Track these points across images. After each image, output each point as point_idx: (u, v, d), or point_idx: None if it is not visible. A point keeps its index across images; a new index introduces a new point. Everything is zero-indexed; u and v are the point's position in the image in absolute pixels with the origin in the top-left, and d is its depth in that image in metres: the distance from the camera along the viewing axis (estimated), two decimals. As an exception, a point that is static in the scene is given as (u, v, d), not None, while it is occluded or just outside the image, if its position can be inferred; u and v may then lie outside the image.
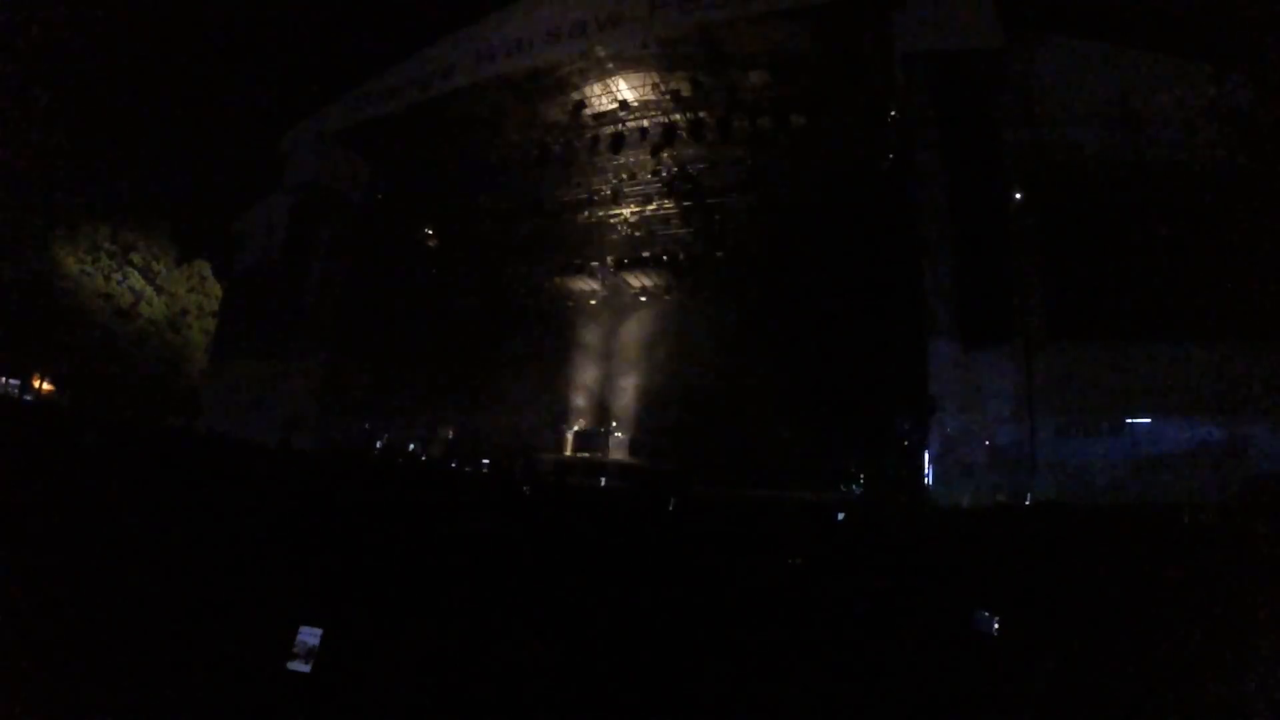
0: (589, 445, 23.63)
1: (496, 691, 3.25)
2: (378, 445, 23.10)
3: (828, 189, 20.56)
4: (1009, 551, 6.68)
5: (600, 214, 24.66)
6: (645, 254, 25.32)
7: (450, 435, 25.39)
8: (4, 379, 27.57)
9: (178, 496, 6.42)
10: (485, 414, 25.53)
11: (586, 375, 26.31)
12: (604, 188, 23.56)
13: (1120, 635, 4.07)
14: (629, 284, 27.29)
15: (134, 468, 7.98)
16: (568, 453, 23.87)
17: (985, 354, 14.56)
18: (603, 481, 18.26)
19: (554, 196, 24.60)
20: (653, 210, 24.33)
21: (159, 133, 34.52)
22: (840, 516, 9.64)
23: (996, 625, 4.02)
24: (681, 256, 24.79)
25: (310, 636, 3.05)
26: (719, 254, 24.07)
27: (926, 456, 15.12)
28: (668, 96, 20.50)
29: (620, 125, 21.30)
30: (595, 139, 21.72)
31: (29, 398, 27.32)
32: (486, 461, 20.21)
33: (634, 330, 26.25)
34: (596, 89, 21.49)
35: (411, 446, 23.64)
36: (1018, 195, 15.03)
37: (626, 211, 24.48)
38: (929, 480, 14.80)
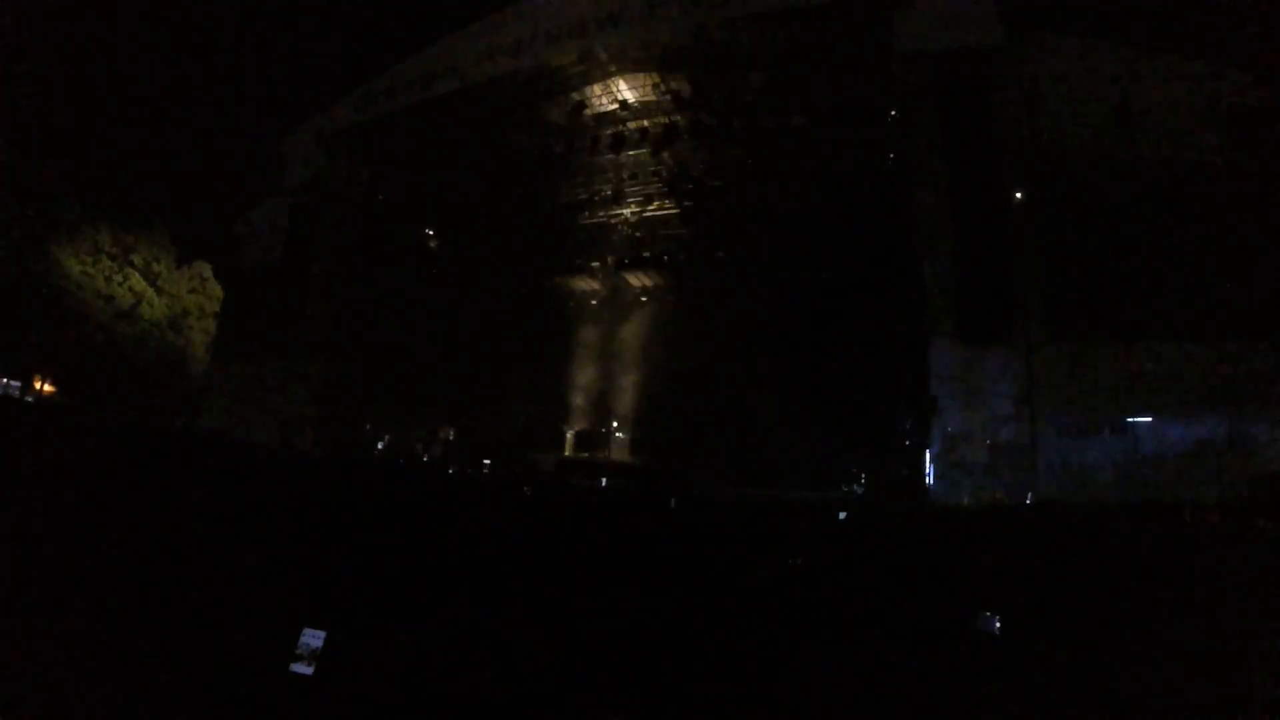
0: (589, 445, 23.63)
1: (498, 692, 3.25)
2: (379, 446, 23.11)
3: (828, 188, 20.54)
4: (1009, 551, 6.68)
5: (601, 214, 24.68)
6: (646, 254, 25.33)
7: (451, 436, 25.39)
8: (5, 380, 27.56)
9: (179, 498, 6.42)
10: (486, 415, 25.53)
11: (587, 375, 26.30)
12: (605, 188, 23.56)
13: (1121, 634, 4.07)
14: (630, 284, 27.30)
15: (135, 469, 7.97)
16: (568, 453, 23.87)
17: (986, 353, 14.57)
18: (603, 481, 18.24)
19: (554, 197, 24.61)
20: (653, 210, 24.34)
21: (160, 134, 34.52)
22: (842, 516, 9.64)
23: (998, 625, 4.03)
24: (682, 256, 24.80)
25: (313, 639, 3.05)
26: (719, 254, 24.06)
27: (927, 455, 15.12)
28: (668, 97, 20.51)
29: (621, 126, 21.30)
30: (596, 139, 21.72)
31: (30, 399, 27.31)
32: (487, 462, 20.21)
33: (634, 330, 26.25)
34: (597, 89, 21.51)
35: (415, 447, 23.64)
36: (1018, 194, 15.02)
37: (627, 212, 24.50)
38: (930, 479, 14.81)
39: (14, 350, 27.49)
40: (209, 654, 3.29)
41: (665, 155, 21.67)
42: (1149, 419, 13.70)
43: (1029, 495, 13.46)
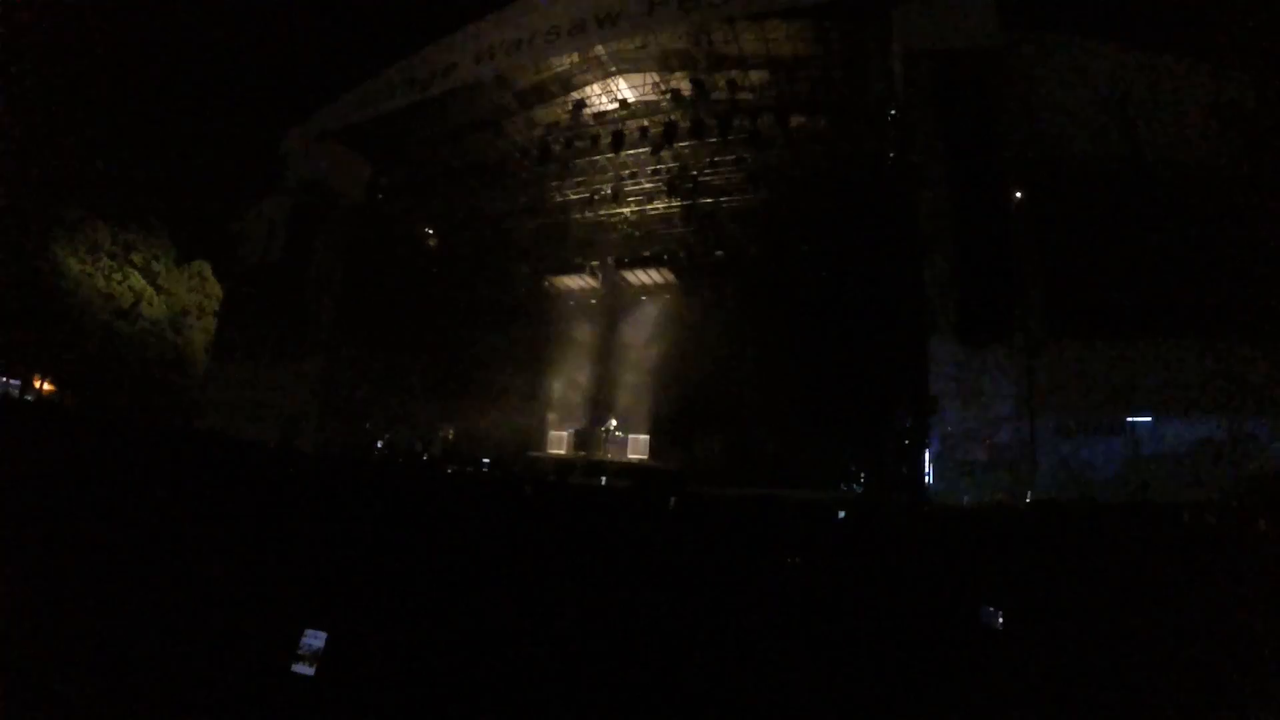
0: (589, 444, 23.64)
1: (499, 691, 3.25)
2: (379, 445, 23.11)
3: (828, 188, 20.57)
4: (1009, 550, 6.69)
5: (601, 213, 24.68)
6: (646, 253, 25.35)
7: (450, 435, 25.40)
8: (4, 379, 27.57)
9: (179, 496, 6.42)
10: (486, 413, 25.54)
11: (587, 374, 26.32)
12: (604, 187, 23.57)
13: (1121, 634, 4.07)
14: (629, 283, 27.31)
15: (135, 467, 7.98)
16: (568, 452, 23.88)
17: (986, 352, 14.57)
18: (603, 480, 18.25)
19: (554, 195, 24.62)
20: (653, 209, 24.35)
21: (159, 132, 34.51)
22: (841, 515, 9.65)
23: (1001, 620, 4.04)
24: (682, 255, 24.82)
25: (315, 639, 3.06)
26: (719, 253, 24.09)
27: (927, 455, 15.13)
28: (668, 96, 20.51)
29: (620, 124, 21.29)
30: (595, 138, 21.72)
31: (29, 397, 27.32)
32: (487, 461, 20.23)
33: (634, 329, 26.27)
34: (596, 88, 21.51)
35: (415, 446, 23.64)
36: (1018, 194, 15.03)
37: (627, 210, 24.50)
38: (929, 479, 14.81)
39: (13, 349, 27.48)
40: (209, 654, 3.29)
41: (665, 154, 21.67)
42: (1149, 419, 13.71)
43: (1028, 494, 13.47)
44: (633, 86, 21.21)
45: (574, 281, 28.03)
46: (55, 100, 29.48)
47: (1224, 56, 14.75)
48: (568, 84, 21.55)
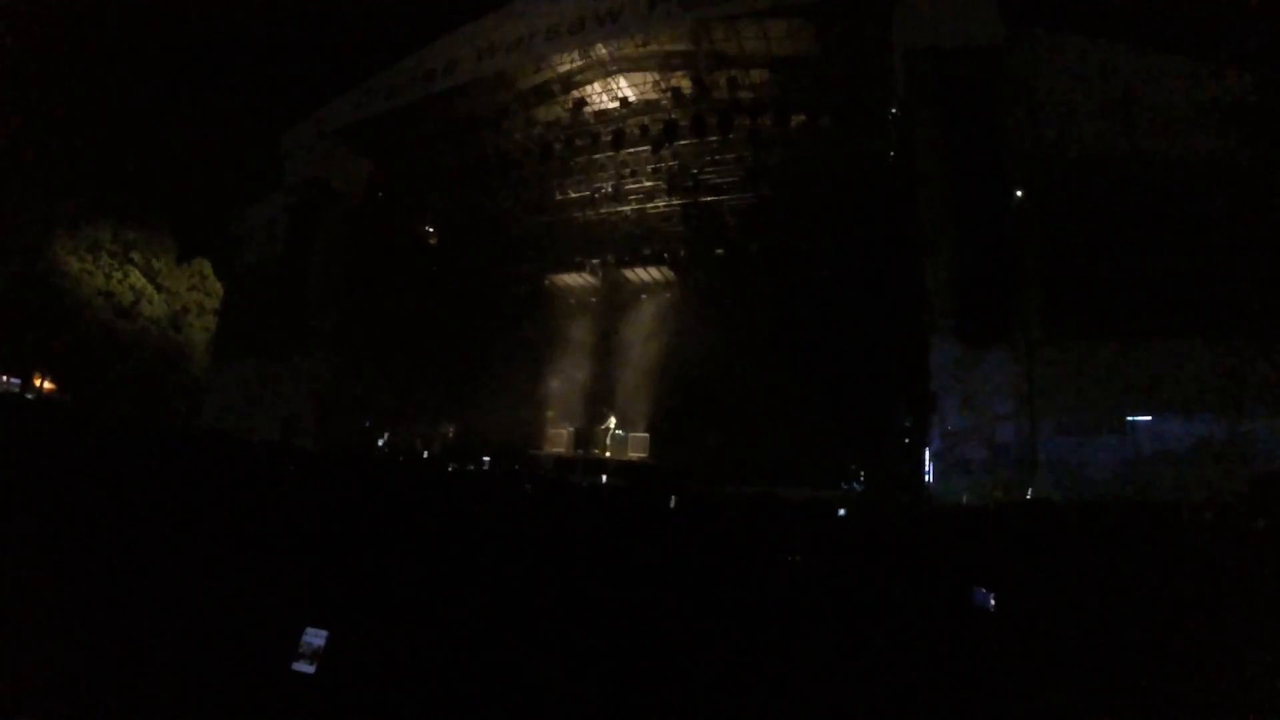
0: (589, 442, 23.65)
1: (500, 691, 3.26)
2: (379, 443, 23.13)
3: (828, 186, 20.55)
4: (1009, 549, 6.69)
5: (601, 211, 24.67)
6: (646, 251, 25.35)
7: (451, 433, 25.42)
8: (5, 377, 27.60)
9: (179, 495, 6.43)
10: (486, 412, 25.54)
11: (587, 373, 26.32)
12: (605, 185, 23.56)
13: (1120, 634, 4.08)
14: (629, 281, 27.31)
15: (135, 466, 7.99)
16: (568, 450, 23.89)
17: (986, 351, 14.57)
18: (603, 479, 18.26)
19: (555, 194, 24.61)
20: (654, 208, 24.34)
21: (160, 131, 34.50)
22: (841, 512, 9.67)
23: (993, 602, 4.04)
24: (682, 254, 24.82)
25: (315, 638, 3.06)
26: (720, 251, 24.08)
27: (927, 454, 15.14)
28: (668, 94, 20.49)
29: (621, 123, 21.29)
30: (596, 136, 21.71)
31: (30, 396, 27.35)
32: (488, 459, 20.24)
33: (634, 328, 26.26)
34: (597, 86, 21.51)
35: (415, 444, 23.67)
36: (1018, 192, 15.02)
37: (628, 209, 24.49)
38: (929, 478, 14.82)
39: (14, 348, 27.52)
40: (210, 652, 3.30)
41: (665, 152, 21.67)
42: (1149, 418, 13.71)
43: (1028, 493, 13.48)
44: (633, 85, 21.21)
45: (575, 279, 28.03)
46: (56, 99, 29.50)
47: (1225, 54, 14.73)
48: (568, 82, 21.55)
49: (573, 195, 24.48)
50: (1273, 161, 13.81)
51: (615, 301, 27.71)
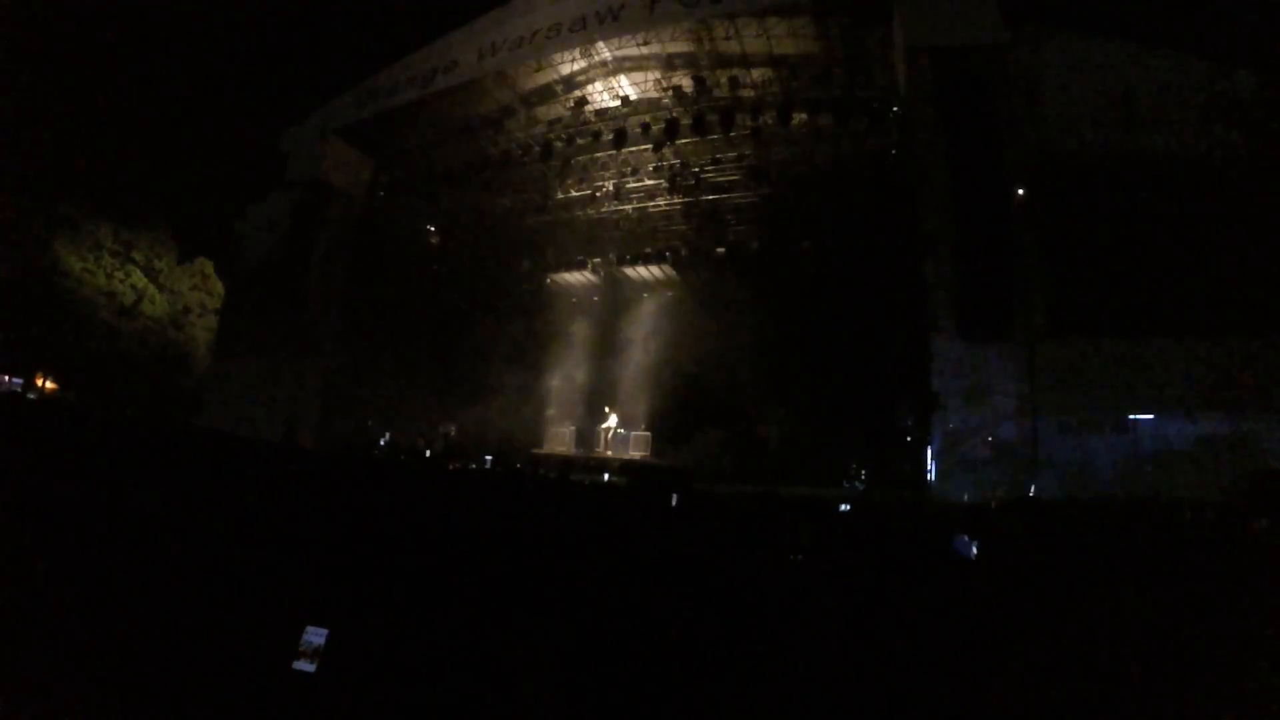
0: (591, 441, 23.65)
1: (500, 690, 3.26)
2: (381, 442, 23.13)
3: (830, 184, 20.55)
4: (1010, 548, 6.69)
5: (603, 210, 24.67)
6: (647, 250, 25.36)
7: (452, 432, 25.42)
8: (7, 377, 27.63)
9: (181, 494, 6.43)
10: (487, 411, 25.55)
11: (589, 371, 26.32)
12: (606, 184, 23.56)
13: (1122, 632, 4.07)
14: (631, 280, 27.31)
15: (137, 465, 7.99)
16: (570, 449, 23.89)
17: (988, 350, 14.57)
18: (605, 477, 18.26)
19: (556, 192, 24.61)
20: (655, 206, 24.34)
21: (161, 130, 34.55)
22: (844, 507, 9.70)
23: (975, 550, 4.05)
24: (683, 252, 24.83)
25: (316, 636, 3.07)
26: (720, 250, 24.08)
27: (929, 452, 15.13)
28: (669, 93, 20.48)
29: (623, 121, 21.28)
30: (597, 135, 21.71)
31: (32, 396, 27.38)
32: (490, 458, 20.25)
33: (636, 326, 26.27)
34: (598, 85, 21.49)
35: (417, 443, 23.66)
36: (1020, 191, 15.00)
37: (629, 207, 24.49)
38: (931, 476, 14.81)
39: (15, 347, 27.54)
40: (212, 650, 3.30)
41: (667, 151, 21.66)
42: (1151, 416, 13.70)
43: (1030, 491, 13.47)
44: (635, 83, 21.19)
45: (576, 278, 28.04)
46: (57, 99, 29.53)
47: (1226, 53, 14.71)
48: (570, 81, 21.54)
49: (574, 194, 24.48)
50: (1273, 161, 13.78)
51: (616, 300, 27.72)
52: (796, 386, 19.84)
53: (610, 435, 23.23)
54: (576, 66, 20.90)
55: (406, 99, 22.99)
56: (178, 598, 3.84)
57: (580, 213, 25.06)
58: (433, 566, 4.84)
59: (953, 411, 14.53)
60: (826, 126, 19.49)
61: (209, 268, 34.69)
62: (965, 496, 13.60)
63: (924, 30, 15.68)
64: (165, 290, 32.97)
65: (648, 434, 23.29)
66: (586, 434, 24.04)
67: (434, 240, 27.64)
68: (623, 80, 21.11)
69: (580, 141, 22.07)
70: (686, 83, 19.96)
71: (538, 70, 21.34)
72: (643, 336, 25.72)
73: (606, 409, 23.92)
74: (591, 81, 21.39)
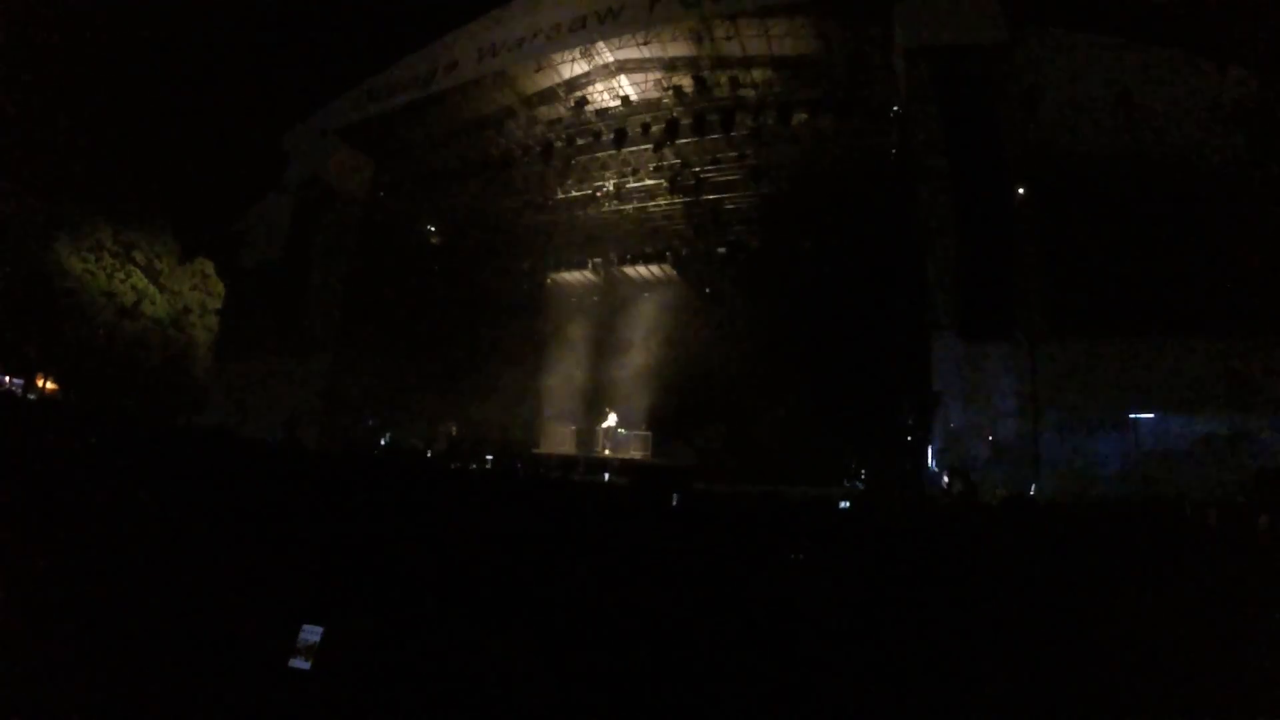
0: (591, 441, 23.65)
1: (499, 689, 3.26)
2: (382, 442, 23.14)
3: (830, 184, 20.53)
4: (1011, 547, 6.69)
5: (603, 210, 24.68)
6: (648, 249, 25.34)
7: (453, 431, 25.42)
8: (7, 378, 27.67)
9: (182, 494, 6.44)
10: (488, 410, 25.56)
11: (589, 371, 26.32)
12: (606, 183, 23.56)
13: (1122, 631, 4.07)
14: (631, 280, 27.30)
15: (138, 465, 8.00)
16: (570, 449, 23.90)
17: (988, 349, 14.56)
18: (605, 477, 18.26)
19: (556, 192, 24.61)
20: (655, 206, 24.34)
21: (161, 131, 34.54)
22: (844, 504, 9.70)
23: (947, 481, 4.04)
24: (684, 252, 24.82)
25: (311, 634, 3.07)
26: (721, 250, 24.07)
27: (930, 451, 15.12)
28: (670, 92, 20.47)
29: (623, 121, 21.28)
30: (598, 135, 21.71)
31: (32, 396, 27.41)
32: (490, 458, 20.25)
33: (636, 326, 26.26)
34: (599, 85, 21.48)
35: (418, 442, 23.67)
36: (1021, 190, 14.99)
37: (629, 207, 24.49)
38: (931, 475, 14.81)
39: (16, 348, 27.57)
40: (210, 649, 3.30)
41: (667, 150, 21.65)
42: (1152, 415, 13.69)
43: (1031, 490, 13.46)
44: (635, 83, 21.19)
45: (576, 278, 28.03)
46: (58, 99, 29.55)
47: (1227, 52, 14.68)
48: (571, 83, 21.54)
49: (574, 193, 24.47)
50: (1273, 161, 13.77)
51: (617, 300, 27.72)
52: (796, 386, 19.82)
53: (610, 435, 23.23)
54: (577, 69, 20.90)
55: (407, 99, 22.99)
56: (178, 597, 3.84)
57: (580, 213, 25.05)
58: (431, 565, 4.84)
59: (953, 411, 14.52)
60: (827, 126, 19.47)
61: (209, 268, 34.69)
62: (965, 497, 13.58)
63: (924, 30, 15.65)
64: (166, 290, 32.99)
65: (648, 434, 23.29)
66: (586, 434, 24.04)
67: (434, 240, 27.64)
68: (623, 80, 21.11)
69: (580, 141, 22.07)
70: (687, 83, 19.95)
71: (538, 71, 21.35)
72: (642, 336, 25.72)
73: (606, 408, 23.92)
74: (592, 82, 21.39)
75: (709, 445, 22.34)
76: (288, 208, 25.33)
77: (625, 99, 21.17)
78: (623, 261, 26.04)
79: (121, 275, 31.26)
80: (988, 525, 8.91)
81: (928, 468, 15.11)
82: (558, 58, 20.73)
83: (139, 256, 31.99)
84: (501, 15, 21.53)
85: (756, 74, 19.61)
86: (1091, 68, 15.30)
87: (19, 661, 3.09)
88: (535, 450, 23.55)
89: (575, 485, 13.97)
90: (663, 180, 22.92)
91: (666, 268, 25.98)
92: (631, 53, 20.07)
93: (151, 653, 3.26)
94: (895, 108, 18.11)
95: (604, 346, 26.39)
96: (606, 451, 22.68)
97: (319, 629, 3.07)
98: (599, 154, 22.48)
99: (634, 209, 24.51)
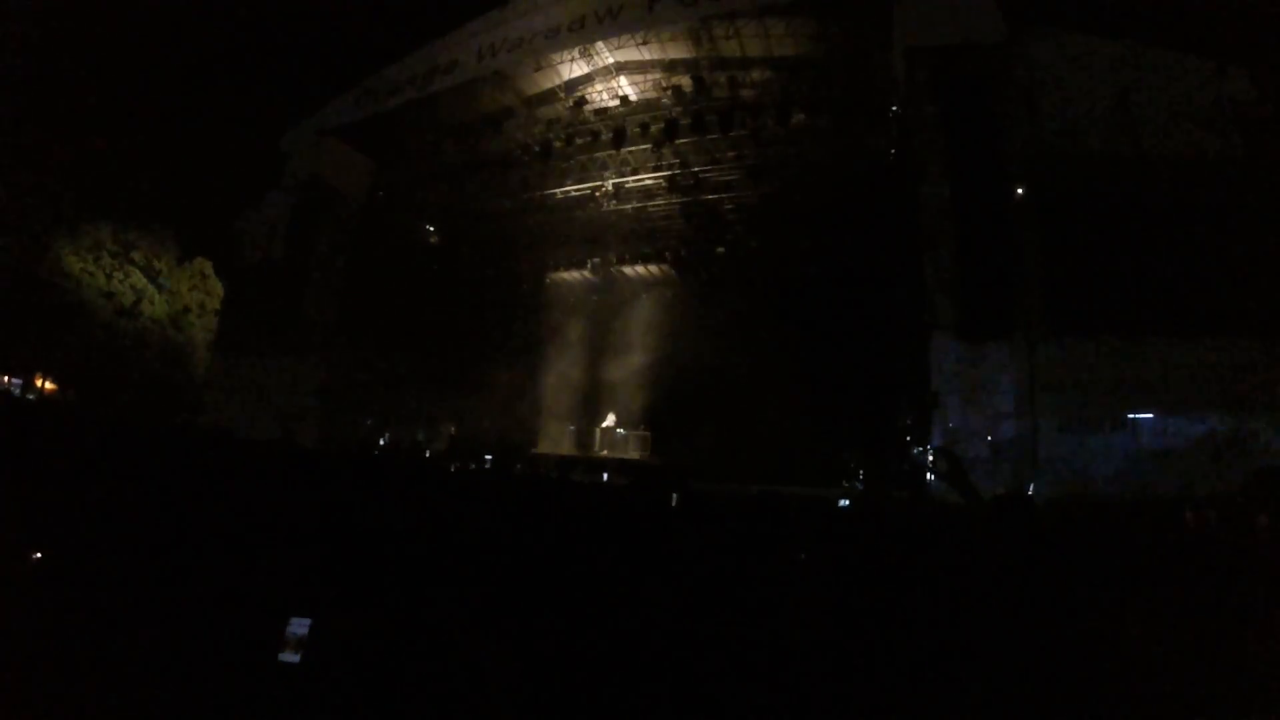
0: (590, 441, 23.64)
1: (498, 688, 3.25)
2: (380, 442, 23.13)
3: (829, 184, 20.53)
4: (1010, 546, 6.68)
5: (602, 209, 24.66)
6: (646, 249, 25.34)
7: (452, 431, 25.41)
8: (6, 378, 27.64)
9: (181, 493, 6.42)
10: (487, 410, 25.55)
11: (588, 371, 26.31)
12: (605, 183, 23.55)
13: (1122, 631, 4.06)
14: (630, 280, 27.29)
15: (137, 465, 7.98)
16: (569, 449, 23.89)
17: (987, 349, 14.54)
18: (604, 477, 18.25)
19: (555, 192, 24.60)
20: (654, 206, 24.33)
21: (160, 131, 34.54)
22: (844, 504, 9.69)
23: (931, 459, 4.04)
24: (683, 252, 24.81)
25: (299, 627, 3.07)
26: (720, 250, 24.06)
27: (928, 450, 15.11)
28: (669, 92, 20.48)
29: (622, 121, 21.28)
30: (596, 134, 21.70)
31: (31, 396, 27.40)
32: (489, 458, 20.24)
33: (635, 326, 26.26)
34: (598, 85, 21.48)
35: (417, 442, 23.67)
36: (1019, 190, 14.99)
37: (628, 207, 24.48)
38: (930, 475, 14.79)
39: (15, 348, 27.55)
40: (214, 646, 3.30)
41: (666, 150, 21.65)
42: (1151, 415, 13.68)
43: (1029, 489, 13.46)
44: (634, 83, 21.20)
45: (575, 277, 28.03)
46: (57, 99, 29.53)
47: (1227, 52, 14.68)
48: (570, 83, 21.54)
49: (573, 193, 24.45)
50: (1273, 158, 13.78)
51: (615, 300, 27.72)
52: (796, 386, 19.80)
53: (608, 435, 23.22)
54: (577, 69, 20.90)
55: (406, 99, 22.98)
56: (178, 595, 3.83)
57: (579, 212, 25.03)
58: (431, 566, 4.83)
59: (952, 411, 14.51)
60: (826, 126, 19.47)
61: (209, 268, 34.68)
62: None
63: (923, 29, 15.66)
64: (165, 290, 32.97)
65: (646, 434, 23.28)
66: (585, 434, 24.04)
67: (433, 240, 27.62)
68: (622, 80, 21.12)
69: (579, 141, 22.06)
70: (686, 83, 19.95)
71: (537, 71, 21.35)
72: (641, 336, 25.72)
73: (605, 408, 23.91)
74: (591, 81, 21.39)
75: (708, 445, 22.33)
76: (287, 207, 25.30)
77: (624, 99, 21.17)
78: (621, 261, 26.05)
79: (120, 275, 31.24)
80: (986, 525, 8.91)
81: (922, 458, 15.11)
82: (557, 58, 20.74)
83: (138, 256, 31.97)
84: (501, 15, 21.53)
85: (755, 74, 19.62)
86: (1091, 68, 15.29)
87: (14, 654, 3.09)
88: (534, 450, 23.54)
89: (574, 485, 13.96)
90: (661, 180, 22.92)
91: (665, 267, 25.97)
92: (631, 53, 20.08)
93: (149, 649, 3.25)
94: (894, 108, 18.11)
95: (603, 346, 26.37)
96: (605, 451, 22.67)
97: (307, 621, 3.06)
98: (598, 154, 22.48)
99: (633, 209, 24.49)
